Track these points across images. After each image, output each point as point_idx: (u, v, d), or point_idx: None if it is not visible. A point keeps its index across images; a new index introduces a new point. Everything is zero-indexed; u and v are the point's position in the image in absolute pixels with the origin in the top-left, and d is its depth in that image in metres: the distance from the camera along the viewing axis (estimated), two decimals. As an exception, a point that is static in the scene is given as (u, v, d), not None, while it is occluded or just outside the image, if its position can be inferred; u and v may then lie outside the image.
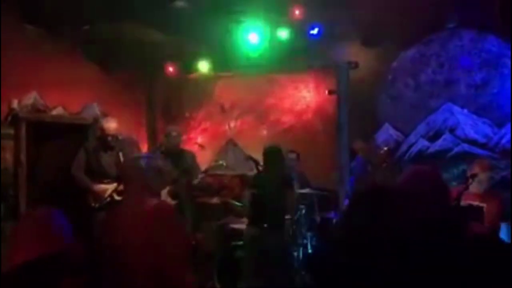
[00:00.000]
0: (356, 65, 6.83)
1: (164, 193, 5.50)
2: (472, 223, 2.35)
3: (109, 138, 5.53)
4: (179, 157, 5.71)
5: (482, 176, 4.44)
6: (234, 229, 5.80)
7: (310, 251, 5.57)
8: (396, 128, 6.63)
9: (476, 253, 1.93)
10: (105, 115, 7.19)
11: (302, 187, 6.06)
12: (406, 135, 6.57)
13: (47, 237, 2.04)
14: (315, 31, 6.75)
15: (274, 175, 5.10)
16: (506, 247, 2.12)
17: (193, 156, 5.90)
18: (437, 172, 2.30)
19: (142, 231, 2.60)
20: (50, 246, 2.01)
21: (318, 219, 5.73)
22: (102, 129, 5.59)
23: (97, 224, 5.12)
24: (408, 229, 1.95)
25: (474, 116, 6.19)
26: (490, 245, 2.01)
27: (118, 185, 5.05)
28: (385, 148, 5.93)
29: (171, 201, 5.41)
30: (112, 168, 5.51)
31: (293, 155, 6.33)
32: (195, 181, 5.64)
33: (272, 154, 5.25)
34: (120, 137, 5.82)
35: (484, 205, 4.44)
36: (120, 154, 5.46)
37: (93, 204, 5.35)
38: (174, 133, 5.78)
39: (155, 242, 2.57)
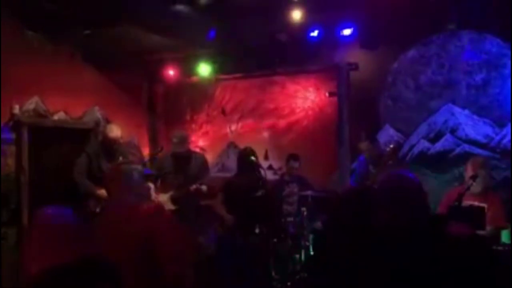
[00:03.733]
0: (356, 66, 6.84)
1: (166, 198, 5.53)
2: (453, 224, 2.33)
3: (114, 147, 5.55)
4: (186, 162, 5.68)
5: (478, 175, 4.44)
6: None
7: (312, 253, 5.57)
8: (396, 129, 6.63)
9: (447, 255, 1.94)
10: (106, 119, 7.22)
11: (302, 189, 6.06)
12: (407, 136, 6.56)
13: (74, 238, 1.97)
14: (315, 33, 6.76)
15: (245, 179, 5.08)
16: (480, 249, 2.12)
17: (201, 159, 5.88)
18: (410, 177, 2.29)
19: (130, 230, 2.66)
20: (78, 247, 1.95)
21: (319, 221, 5.72)
22: (106, 137, 5.60)
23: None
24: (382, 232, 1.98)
25: (475, 117, 6.18)
26: (463, 247, 2.01)
27: None
28: (391, 146, 5.91)
29: (171, 207, 5.42)
30: None
31: (295, 164, 6.31)
32: (193, 187, 5.56)
33: (243, 158, 5.23)
34: (121, 142, 5.82)
35: (484, 205, 4.44)
36: (120, 159, 5.47)
37: (93, 209, 5.36)
38: (174, 140, 5.72)
39: (143, 241, 2.62)
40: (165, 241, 2.68)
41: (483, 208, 4.39)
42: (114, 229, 2.71)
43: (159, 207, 3.02)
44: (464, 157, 6.01)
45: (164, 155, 6.13)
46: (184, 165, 5.64)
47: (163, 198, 5.48)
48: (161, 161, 6.01)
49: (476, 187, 4.46)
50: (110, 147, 5.56)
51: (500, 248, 4.28)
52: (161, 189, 5.63)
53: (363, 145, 6.34)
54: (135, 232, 2.67)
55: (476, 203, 4.42)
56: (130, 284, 2.56)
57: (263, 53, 6.97)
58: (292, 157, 6.35)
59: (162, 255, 2.65)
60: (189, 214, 5.58)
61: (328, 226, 2.22)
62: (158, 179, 5.74)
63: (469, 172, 4.57)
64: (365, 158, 6.20)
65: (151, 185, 5.62)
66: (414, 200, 2.11)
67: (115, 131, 5.60)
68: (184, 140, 5.79)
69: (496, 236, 4.51)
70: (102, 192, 5.42)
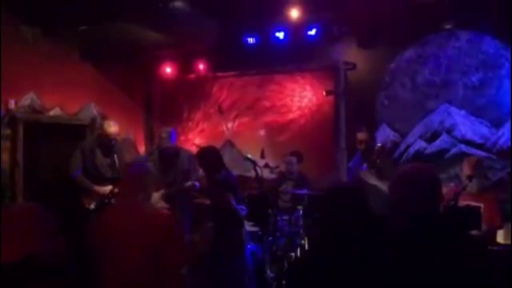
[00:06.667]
0: (353, 66, 6.84)
1: (158, 196, 5.49)
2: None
3: (111, 142, 5.52)
4: (175, 158, 5.67)
5: (473, 174, 4.44)
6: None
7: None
8: (393, 128, 6.63)
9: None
10: (102, 115, 7.20)
11: (297, 188, 6.05)
12: (404, 136, 6.56)
13: (26, 234, 2.00)
14: (312, 32, 6.76)
15: (210, 177, 4.98)
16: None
17: (190, 157, 5.82)
18: (426, 167, 2.31)
19: (142, 235, 2.67)
20: (30, 243, 1.98)
21: (312, 220, 5.70)
22: (104, 133, 5.57)
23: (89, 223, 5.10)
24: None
25: (472, 117, 6.18)
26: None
27: (114, 187, 5.00)
28: (378, 145, 5.88)
29: (164, 205, 5.39)
30: (107, 170, 5.49)
31: (292, 159, 6.30)
32: (188, 184, 5.53)
33: (201, 156, 5.11)
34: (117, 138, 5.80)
35: (481, 204, 4.43)
36: (115, 157, 5.45)
37: (87, 206, 5.34)
38: (163, 135, 5.71)
39: (153, 249, 2.63)
40: (171, 251, 2.68)
41: (479, 208, 4.39)
42: (124, 229, 2.70)
43: (171, 216, 3.03)
44: (460, 157, 6.02)
45: (150, 154, 6.12)
46: (172, 161, 5.62)
47: (155, 197, 5.44)
48: (148, 159, 5.96)
49: (471, 187, 4.46)
50: (107, 143, 5.53)
51: (495, 248, 4.29)
52: None
53: (361, 135, 6.23)
54: (147, 239, 2.67)
55: (472, 203, 4.41)
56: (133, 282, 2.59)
57: (261, 51, 6.96)
58: (291, 153, 6.35)
59: (167, 264, 2.64)
60: (183, 212, 5.56)
61: (324, 221, 2.21)
62: None
63: (465, 171, 4.56)
64: (360, 154, 6.16)
65: None
66: (429, 190, 2.11)
67: (112, 126, 5.58)
68: (172, 135, 5.79)
69: (492, 236, 4.51)
70: (98, 188, 5.41)
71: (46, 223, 2.12)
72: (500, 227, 4.64)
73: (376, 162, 5.51)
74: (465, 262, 1.96)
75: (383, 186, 4.35)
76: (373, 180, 4.64)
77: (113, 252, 2.63)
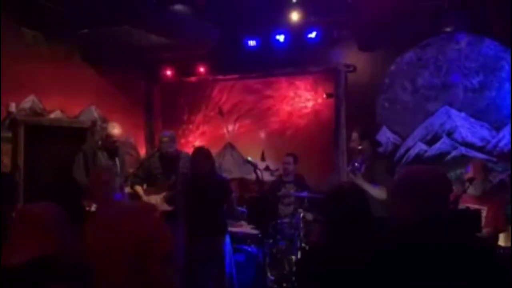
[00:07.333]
0: (353, 68, 6.85)
1: (159, 199, 5.51)
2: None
3: (115, 144, 5.55)
4: (175, 161, 5.69)
5: (477, 177, 4.43)
6: (232, 232, 5.78)
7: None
8: (393, 131, 6.64)
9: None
10: (103, 118, 7.21)
11: (299, 190, 6.06)
12: (404, 139, 6.57)
13: (46, 234, 2.01)
14: (313, 35, 6.77)
15: (201, 178, 4.93)
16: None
17: (189, 157, 5.83)
18: (431, 170, 2.32)
19: (124, 230, 2.72)
20: (48, 244, 1.99)
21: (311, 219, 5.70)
22: (108, 135, 5.59)
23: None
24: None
25: (472, 120, 6.20)
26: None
27: None
28: (359, 147, 5.82)
29: (166, 207, 5.41)
30: None
31: (289, 159, 6.31)
32: None
33: (195, 157, 5.06)
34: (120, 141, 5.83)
35: (484, 207, 4.43)
36: (117, 159, 5.47)
37: (88, 208, 5.35)
38: (164, 139, 5.73)
39: (136, 240, 2.68)
40: (155, 240, 2.76)
41: (479, 210, 4.38)
42: (107, 228, 2.76)
43: (150, 205, 3.17)
44: (461, 160, 6.04)
45: (150, 156, 6.14)
46: (173, 164, 5.63)
47: (156, 199, 5.46)
48: (148, 162, 5.98)
49: (475, 190, 4.46)
50: (110, 145, 5.56)
51: (496, 250, 4.29)
52: (151, 191, 5.61)
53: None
54: (128, 230, 2.74)
55: (475, 206, 4.41)
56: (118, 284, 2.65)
57: (261, 54, 6.97)
58: (287, 154, 6.36)
59: (151, 255, 2.70)
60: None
61: (327, 220, 2.23)
62: (145, 182, 5.73)
63: (469, 174, 4.56)
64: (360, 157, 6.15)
65: (139, 188, 5.66)
66: (436, 192, 2.12)
67: (116, 128, 5.61)
68: (174, 140, 5.81)
69: (494, 239, 4.51)
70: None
71: (65, 223, 2.13)
72: (503, 230, 4.64)
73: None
74: (466, 263, 1.96)
75: (373, 190, 4.38)
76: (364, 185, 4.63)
77: (102, 253, 2.68)
